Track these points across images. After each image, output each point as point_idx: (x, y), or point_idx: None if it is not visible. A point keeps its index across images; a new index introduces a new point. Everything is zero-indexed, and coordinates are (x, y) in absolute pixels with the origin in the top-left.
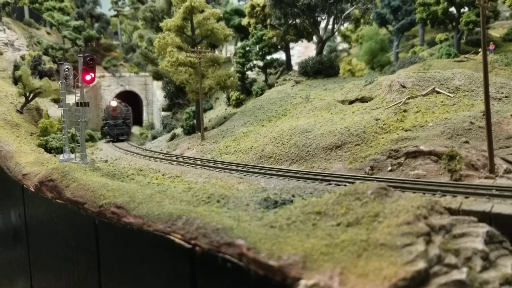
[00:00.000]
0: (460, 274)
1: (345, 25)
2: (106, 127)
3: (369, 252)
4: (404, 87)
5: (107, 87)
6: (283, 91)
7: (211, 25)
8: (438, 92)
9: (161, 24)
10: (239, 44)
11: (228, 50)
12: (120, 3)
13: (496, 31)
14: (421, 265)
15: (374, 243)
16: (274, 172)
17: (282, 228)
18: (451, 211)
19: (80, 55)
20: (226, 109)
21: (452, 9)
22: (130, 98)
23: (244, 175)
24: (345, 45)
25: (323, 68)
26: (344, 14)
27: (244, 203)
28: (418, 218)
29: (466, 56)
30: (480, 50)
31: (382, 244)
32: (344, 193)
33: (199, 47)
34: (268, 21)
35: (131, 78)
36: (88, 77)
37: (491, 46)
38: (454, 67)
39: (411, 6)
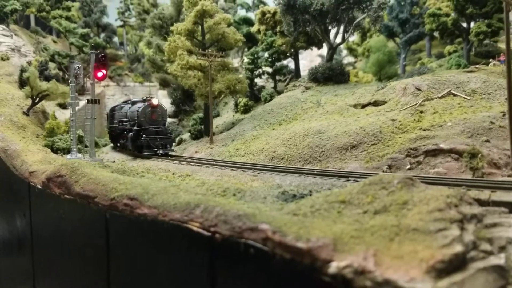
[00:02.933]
0: (498, 260)
1: (353, 37)
2: (142, 136)
3: (401, 237)
4: (419, 90)
5: (112, 96)
6: (293, 97)
7: (222, 30)
8: (454, 95)
9: (171, 28)
10: (246, 52)
11: (234, 61)
12: (126, 13)
13: (504, 44)
14: (458, 248)
15: (405, 228)
16: (288, 170)
17: (306, 215)
18: (480, 202)
19: (92, 51)
20: (233, 116)
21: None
22: None
23: (258, 173)
24: (350, 59)
25: (333, 75)
26: (354, 22)
27: (261, 196)
28: (449, 205)
29: (477, 66)
30: (491, 60)
31: (414, 229)
32: (368, 183)
33: (210, 51)
34: (278, 28)
35: (135, 87)
36: (99, 74)
37: (502, 57)
38: (462, 76)
39: (419, 19)
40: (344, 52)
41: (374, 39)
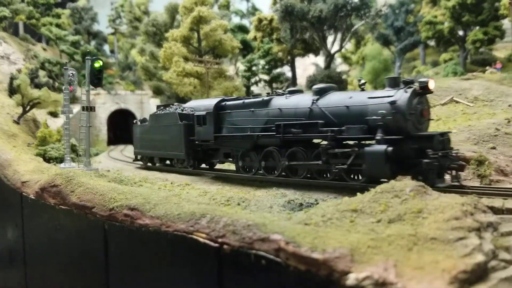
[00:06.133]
0: None
1: (348, 45)
2: (429, 154)
3: (419, 246)
4: None
5: (102, 105)
6: None
7: (218, 36)
8: (457, 102)
9: (167, 34)
10: (243, 60)
11: (229, 69)
12: (117, 21)
13: (500, 52)
14: (480, 257)
15: (423, 237)
16: (291, 182)
17: (318, 224)
18: (494, 210)
19: (88, 57)
20: None
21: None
22: (124, 117)
23: (261, 182)
24: (345, 67)
25: (331, 82)
26: (352, 29)
27: (267, 205)
28: (465, 214)
29: (474, 74)
30: (487, 68)
31: (432, 238)
32: (380, 191)
33: (207, 57)
34: (275, 35)
35: (126, 96)
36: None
37: (498, 65)
38: (461, 84)
39: (414, 27)
40: (339, 60)
41: (370, 47)
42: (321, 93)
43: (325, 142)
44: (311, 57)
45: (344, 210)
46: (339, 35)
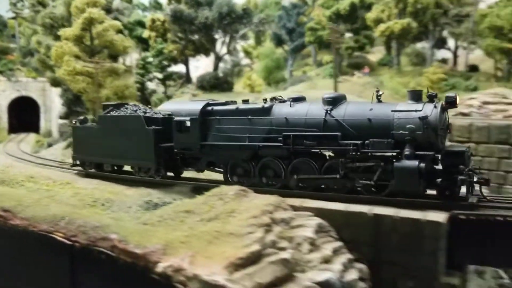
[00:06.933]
0: (286, 254)
1: (242, 43)
2: (462, 170)
3: (219, 240)
4: None
5: (2, 92)
6: None
7: (110, 37)
8: None
9: (59, 33)
10: (138, 58)
11: (134, 58)
12: (19, 5)
13: (374, 55)
14: (255, 247)
15: (225, 233)
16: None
17: (154, 224)
18: (295, 208)
19: None
20: None
21: None
22: (27, 104)
23: (134, 182)
24: (248, 60)
25: (218, 83)
26: (238, 34)
27: (127, 205)
28: (264, 213)
29: (344, 77)
30: (355, 73)
31: (230, 233)
32: (211, 194)
33: (97, 57)
34: (169, 35)
35: (28, 83)
36: None
37: (366, 70)
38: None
39: (304, 29)
40: (242, 54)
41: (264, 46)
42: (334, 103)
43: (330, 153)
44: (206, 57)
45: (179, 211)
46: (228, 39)
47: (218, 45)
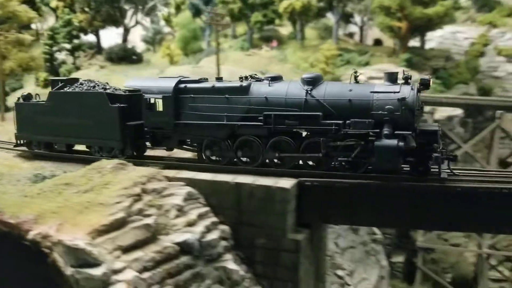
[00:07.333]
0: (149, 220)
1: (163, 11)
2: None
3: (89, 209)
4: None
5: None
6: (87, 75)
7: (12, 7)
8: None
9: None
10: (46, 28)
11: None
12: None
13: (286, 28)
14: (119, 215)
15: (96, 203)
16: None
17: (33, 196)
18: (169, 178)
19: None
20: (34, 90)
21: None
22: None
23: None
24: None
25: (127, 56)
26: (148, 6)
27: (17, 179)
28: (136, 184)
29: (254, 50)
30: (263, 47)
31: (100, 203)
32: (91, 168)
33: (0, 28)
34: (77, 5)
35: None
36: None
37: (274, 43)
38: (244, 59)
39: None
40: (163, 22)
41: (180, 16)
42: (313, 83)
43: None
44: (116, 28)
45: (59, 184)
46: (137, 10)
47: (129, 17)
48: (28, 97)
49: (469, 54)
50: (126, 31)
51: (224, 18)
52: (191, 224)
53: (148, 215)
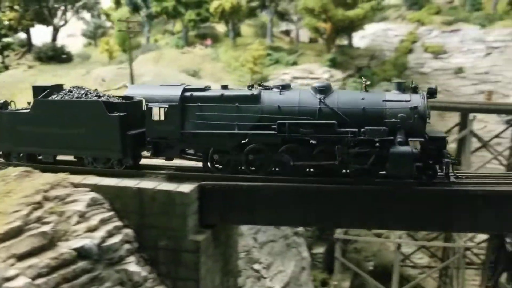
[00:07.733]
0: (46, 228)
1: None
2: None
3: None
4: (104, 80)
5: None
6: (14, 75)
7: None
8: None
9: None
10: None
11: None
12: None
13: (222, 26)
14: (16, 223)
15: None
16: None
17: None
18: (75, 185)
19: None
20: None
21: None
22: None
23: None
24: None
25: (56, 55)
26: (79, 4)
27: None
28: (38, 192)
29: (188, 48)
30: (197, 45)
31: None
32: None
33: None
34: (7, 3)
35: None
36: None
37: (208, 42)
38: (179, 56)
39: None
40: (104, 16)
41: (118, 11)
42: (325, 91)
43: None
44: (46, 27)
45: None
46: (67, 8)
47: (59, 16)
48: (4, 104)
49: (398, 50)
50: (56, 30)
51: (135, 26)
52: (92, 229)
53: (47, 223)
